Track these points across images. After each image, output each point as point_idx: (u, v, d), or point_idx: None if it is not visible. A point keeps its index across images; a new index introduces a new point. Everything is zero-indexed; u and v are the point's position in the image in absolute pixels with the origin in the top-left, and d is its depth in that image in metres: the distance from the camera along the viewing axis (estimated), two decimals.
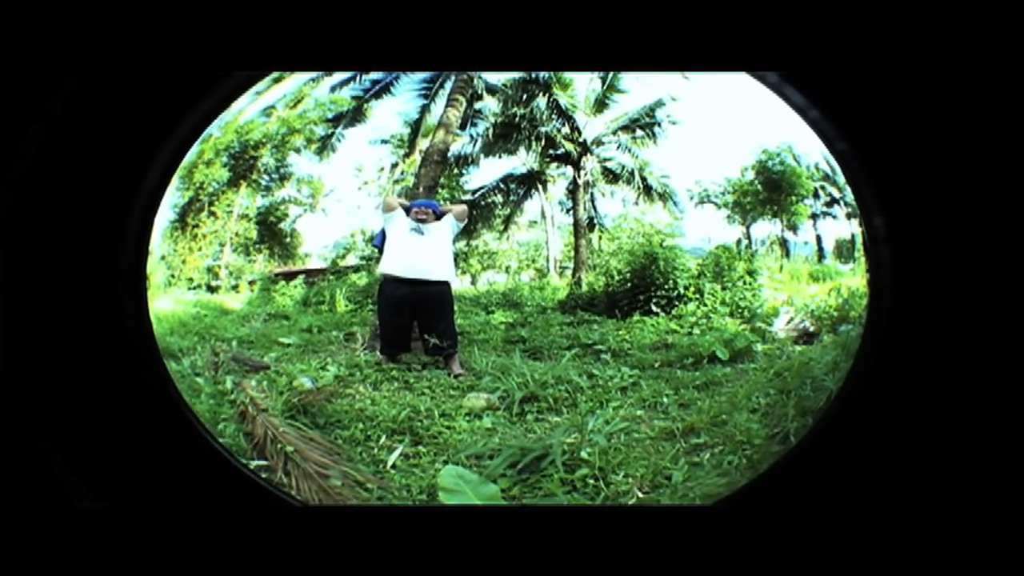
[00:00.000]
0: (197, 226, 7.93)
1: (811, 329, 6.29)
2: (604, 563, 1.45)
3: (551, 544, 1.47)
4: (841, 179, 9.60)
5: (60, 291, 1.44)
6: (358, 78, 8.20)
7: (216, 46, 1.36)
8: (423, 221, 5.72)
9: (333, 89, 8.37)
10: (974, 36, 1.28)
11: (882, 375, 1.43)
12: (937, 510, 1.39)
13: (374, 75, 8.11)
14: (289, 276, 8.57)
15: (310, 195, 9.06)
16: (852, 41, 1.31)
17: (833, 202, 9.82)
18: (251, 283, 8.45)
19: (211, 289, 8.15)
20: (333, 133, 8.45)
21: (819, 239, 9.87)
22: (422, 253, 5.62)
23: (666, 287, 7.36)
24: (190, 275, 7.86)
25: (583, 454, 3.09)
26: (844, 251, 9.75)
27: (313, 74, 7.85)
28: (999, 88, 1.29)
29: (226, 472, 1.63)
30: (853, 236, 9.67)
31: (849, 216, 9.72)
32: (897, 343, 1.41)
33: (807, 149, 9.70)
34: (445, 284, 5.66)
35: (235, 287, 8.35)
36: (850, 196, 9.54)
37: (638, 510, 2.37)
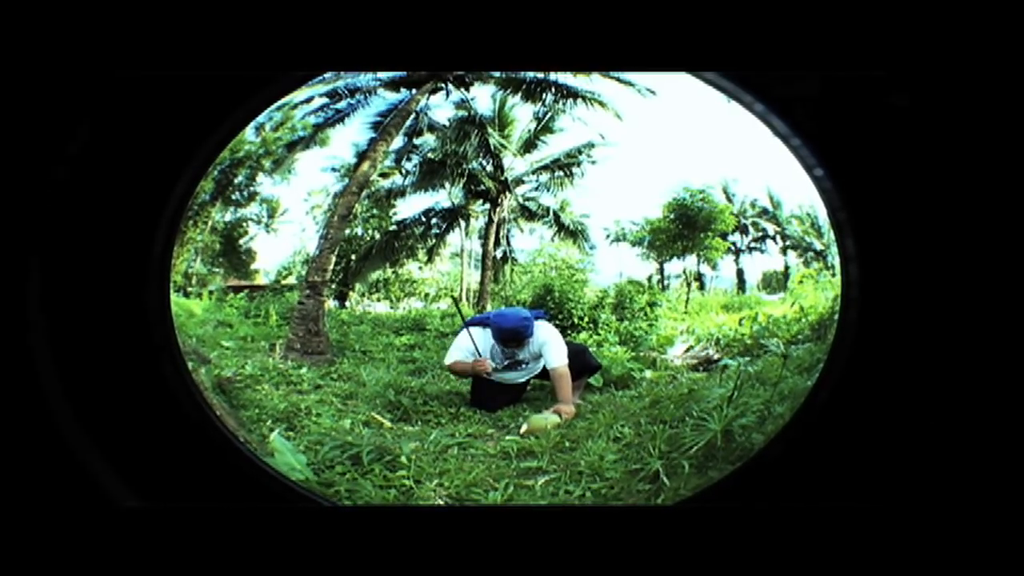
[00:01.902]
0: (184, 232, 8.00)
1: (715, 357, 6.24)
2: (564, 563, 1.47)
3: (551, 544, 1.49)
4: (782, 214, 9.78)
5: (95, 286, 1.47)
6: (326, 107, 8.27)
7: (259, 48, 1.37)
8: (513, 358, 4.99)
9: (304, 115, 8.39)
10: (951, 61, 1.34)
11: (848, 384, 1.50)
12: (892, 511, 1.43)
13: (339, 104, 8.18)
14: (237, 290, 8.73)
15: (269, 214, 9.12)
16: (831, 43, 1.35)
17: (764, 237, 9.97)
18: (211, 293, 8.57)
19: (187, 293, 8.33)
20: (294, 157, 8.49)
21: (740, 272, 10.01)
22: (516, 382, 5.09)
23: (560, 316, 7.44)
24: (175, 277, 7.92)
25: (402, 459, 3.21)
26: (774, 283, 9.86)
27: (299, 96, 7.91)
28: (964, 119, 1.35)
29: (253, 474, 1.66)
30: (787, 267, 9.82)
31: (784, 250, 9.89)
32: (862, 355, 1.48)
33: (750, 187, 9.94)
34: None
35: (199, 295, 8.47)
36: (790, 230, 9.70)
37: (594, 510, 2.41)
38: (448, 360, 5.06)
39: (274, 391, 4.79)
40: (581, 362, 4.99)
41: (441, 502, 2.90)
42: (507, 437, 4.01)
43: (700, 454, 3.10)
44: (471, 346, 4.95)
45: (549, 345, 4.88)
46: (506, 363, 4.97)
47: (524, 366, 5.01)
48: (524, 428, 4.15)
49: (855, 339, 1.49)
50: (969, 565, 1.42)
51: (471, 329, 5.05)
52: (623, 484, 3.09)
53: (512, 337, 4.86)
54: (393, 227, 9.39)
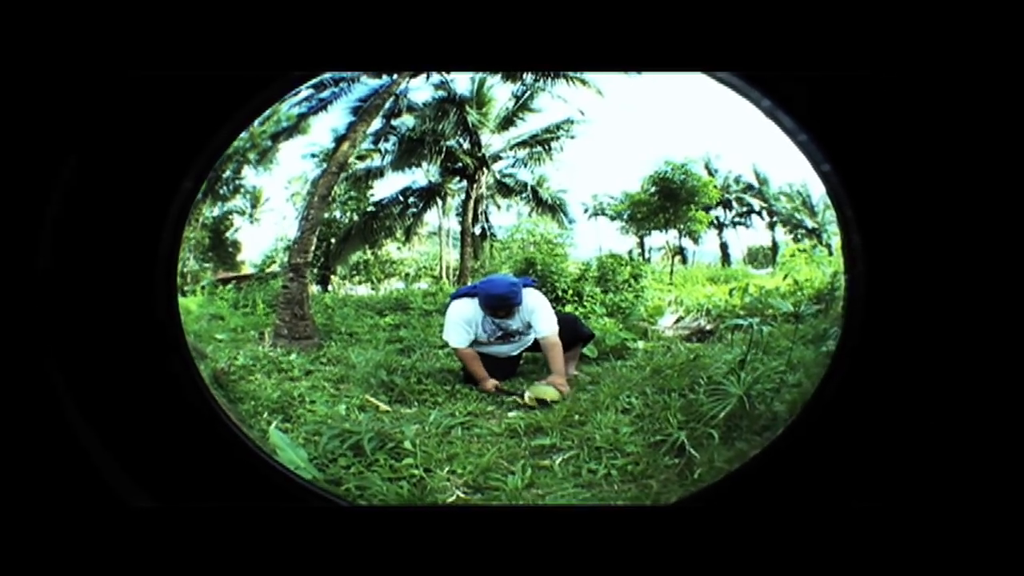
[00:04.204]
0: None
1: (707, 327, 5.97)
2: (561, 563, 1.37)
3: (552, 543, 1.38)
4: (769, 190, 9.55)
5: (102, 286, 1.38)
6: (311, 98, 7.94)
7: (266, 48, 1.30)
8: (505, 323, 4.57)
9: (290, 107, 8.16)
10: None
11: (855, 382, 1.41)
12: (899, 510, 1.35)
13: (323, 93, 7.83)
14: (225, 282, 8.56)
15: (252, 205, 8.88)
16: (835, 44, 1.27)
17: (750, 212, 9.72)
18: (203, 288, 8.38)
19: (183, 292, 8.08)
20: (277, 147, 8.26)
21: (724, 246, 9.81)
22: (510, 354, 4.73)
23: (543, 290, 7.04)
24: None
25: (406, 444, 2.88)
26: (760, 257, 9.67)
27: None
28: (971, 116, 1.27)
29: (265, 473, 1.55)
30: (774, 242, 9.61)
31: (771, 225, 9.66)
32: (870, 352, 1.39)
33: (734, 164, 9.66)
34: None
35: (192, 291, 8.27)
36: (778, 206, 9.48)
37: (596, 510, 2.22)
38: (453, 343, 4.56)
39: (267, 380, 4.48)
40: (573, 331, 4.65)
41: (460, 492, 2.57)
42: (511, 414, 3.68)
43: (723, 423, 2.87)
44: (466, 316, 4.52)
45: (538, 313, 4.52)
46: (498, 335, 4.58)
47: (516, 338, 4.64)
48: (528, 395, 3.89)
49: (862, 336, 1.41)
50: (985, 564, 1.32)
51: (460, 301, 4.63)
52: (647, 459, 2.79)
53: (501, 304, 4.44)
54: (371, 208, 9.11)
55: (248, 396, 3.94)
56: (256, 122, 7.77)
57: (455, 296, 4.76)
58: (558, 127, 8.59)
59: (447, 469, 2.73)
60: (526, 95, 8.44)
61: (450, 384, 4.40)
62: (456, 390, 4.27)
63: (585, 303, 7.11)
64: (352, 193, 8.84)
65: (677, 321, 6.48)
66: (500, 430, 3.34)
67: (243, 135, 7.84)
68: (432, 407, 3.86)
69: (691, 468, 2.63)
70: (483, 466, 2.74)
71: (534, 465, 2.81)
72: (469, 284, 5.75)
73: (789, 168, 9.19)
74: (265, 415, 3.59)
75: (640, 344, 5.37)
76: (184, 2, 1.26)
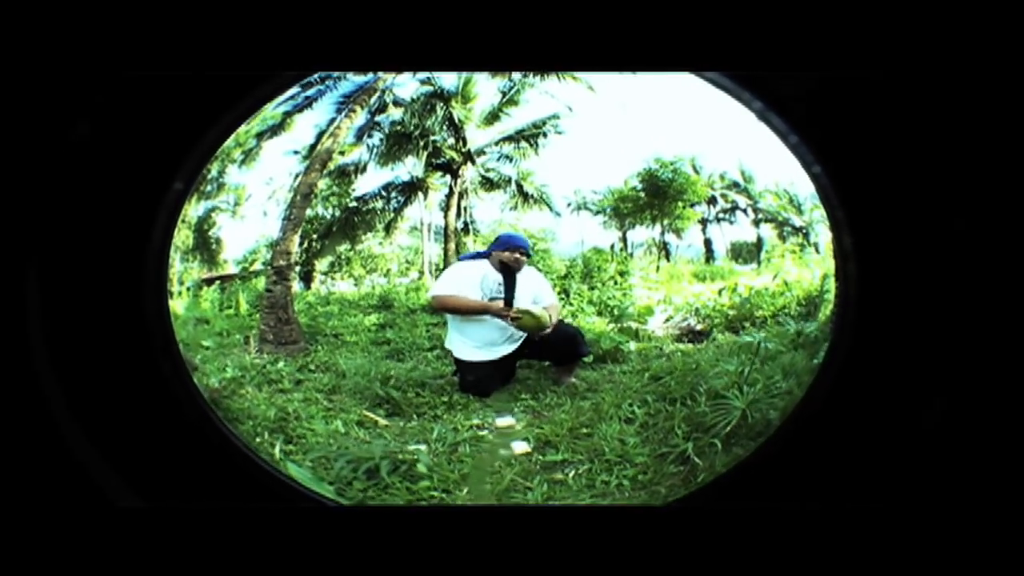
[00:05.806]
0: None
1: (698, 328, 5.90)
2: (549, 562, 1.37)
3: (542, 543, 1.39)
4: (754, 188, 9.50)
5: (93, 284, 1.38)
6: (296, 96, 7.69)
7: (257, 47, 1.30)
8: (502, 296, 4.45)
9: (277, 106, 7.85)
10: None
11: (847, 384, 1.42)
12: (891, 510, 1.35)
13: (309, 91, 7.58)
14: (210, 282, 8.19)
15: (235, 203, 8.68)
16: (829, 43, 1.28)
17: (735, 208, 9.69)
18: (188, 289, 8.03)
19: (170, 294, 7.66)
20: (261, 145, 7.98)
21: (708, 243, 9.74)
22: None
23: None
24: None
25: (420, 467, 2.75)
26: (744, 253, 9.64)
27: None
28: (963, 118, 1.27)
29: (253, 473, 1.56)
30: (759, 239, 9.58)
31: (757, 222, 9.62)
32: (861, 354, 1.40)
33: (719, 162, 9.59)
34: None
35: (179, 293, 7.91)
36: (762, 203, 9.43)
37: (585, 510, 2.24)
38: (439, 291, 4.45)
39: (258, 394, 4.29)
40: (574, 346, 4.51)
41: None
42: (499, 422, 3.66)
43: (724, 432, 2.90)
44: (466, 273, 4.47)
45: (546, 288, 4.68)
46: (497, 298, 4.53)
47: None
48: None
49: (853, 338, 1.42)
50: (981, 565, 1.33)
51: (462, 263, 4.66)
52: (654, 468, 2.83)
53: (518, 245, 4.49)
54: (353, 203, 8.88)
55: (245, 415, 3.76)
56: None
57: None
58: (544, 122, 8.44)
59: (465, 491, 2.64)
60: (513, 91, 8.33)
61: (447, 395, 4.23)
62: (454, 400, 4.12)
63: (572, 301, 6.99)
64: (334, 189, 8.67)
65: (667, 320, 6.40)
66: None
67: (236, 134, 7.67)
68: (432, 420, 3.73)
69: (694, 474, 2.68)
70: (503, 488, 2.68)
71: (548, 479, 2.76)
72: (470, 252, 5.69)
73: (777, 166, 9.14)
74: (266, 435, 3.38)
75: (632, 345, 5.26)
76: (177, 2, 1.24)
